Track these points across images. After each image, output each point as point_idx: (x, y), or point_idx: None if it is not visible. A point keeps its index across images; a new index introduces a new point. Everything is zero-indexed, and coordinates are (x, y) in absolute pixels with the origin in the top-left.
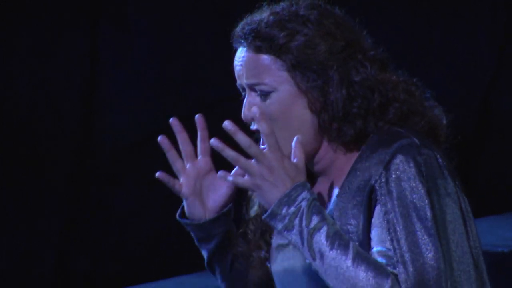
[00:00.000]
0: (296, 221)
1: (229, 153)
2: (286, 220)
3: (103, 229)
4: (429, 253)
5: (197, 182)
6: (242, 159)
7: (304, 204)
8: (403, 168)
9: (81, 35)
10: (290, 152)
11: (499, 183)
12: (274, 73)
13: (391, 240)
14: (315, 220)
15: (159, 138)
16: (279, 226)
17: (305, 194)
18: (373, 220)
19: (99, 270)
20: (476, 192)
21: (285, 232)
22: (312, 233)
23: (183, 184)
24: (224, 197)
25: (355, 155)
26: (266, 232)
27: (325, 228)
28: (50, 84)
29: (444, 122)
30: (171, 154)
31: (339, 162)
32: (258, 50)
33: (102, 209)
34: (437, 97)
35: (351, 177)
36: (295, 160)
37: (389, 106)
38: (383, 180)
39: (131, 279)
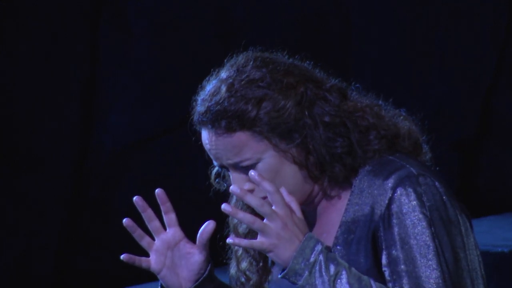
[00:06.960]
0: (316, 273)
1: (243, 216)
2: (306, 273)
3: (103, 229)
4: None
5: (168, 254)
6: (258, 220)
7: (320, 254)
8: (404, 202)
9: (81, 35)
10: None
11: (499, 183)
12: (254, 145)
13: (394, 280)
14: (332, 267)
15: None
16: (300, 280)
17: (318, 245)
18: (382, 259)
19: (99, 270)
20: (476, 192)
21: (307, 286)
22: (334, 280)
23: (152, 259)
24: (199, 263)
25: (347, 190)
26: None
27: (344, 273)
28: (50, 84)
29: (418, 131)
30: (137, 235)
31: (331, 199)
32: (230, 129)
33: (102, 209)
34: (438, 98)
35: (349, 213)
36: (297, 214)
37: (368, 135)
38: (386, 215)
39: (131, 279)
